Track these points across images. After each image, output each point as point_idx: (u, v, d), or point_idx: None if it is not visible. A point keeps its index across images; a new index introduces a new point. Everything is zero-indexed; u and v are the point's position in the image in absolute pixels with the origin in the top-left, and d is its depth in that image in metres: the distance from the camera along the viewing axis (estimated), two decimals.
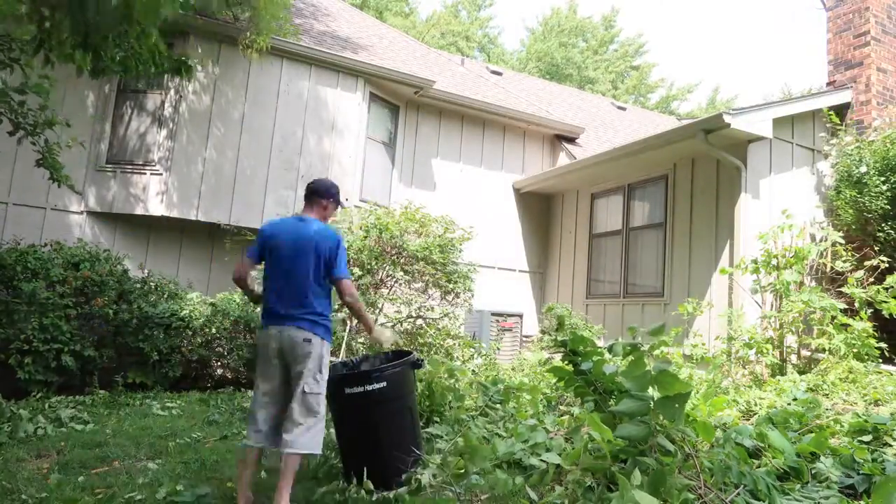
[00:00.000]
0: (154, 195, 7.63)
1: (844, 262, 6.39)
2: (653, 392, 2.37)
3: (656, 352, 3.00)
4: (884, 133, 7.41)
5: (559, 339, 3.15)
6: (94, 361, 5.99)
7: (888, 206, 6.93)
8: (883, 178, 7.03)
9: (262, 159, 8.18)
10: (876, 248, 6.60)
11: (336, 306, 3.68)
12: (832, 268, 6.64)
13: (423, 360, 3.71)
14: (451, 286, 7.85)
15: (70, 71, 5.19)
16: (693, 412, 3.07)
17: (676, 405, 2.27)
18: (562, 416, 4.64)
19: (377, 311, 7.44)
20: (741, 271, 6.49)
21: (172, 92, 7.80)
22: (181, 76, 4.42)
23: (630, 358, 2.64)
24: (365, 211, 8.19)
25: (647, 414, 2.30)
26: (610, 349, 2.96)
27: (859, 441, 3.35)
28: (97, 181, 7.62)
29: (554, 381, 5.94)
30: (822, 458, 2.66)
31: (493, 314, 8.81)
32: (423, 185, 9.74)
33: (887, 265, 6.17)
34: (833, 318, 5.89)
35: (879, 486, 2.20)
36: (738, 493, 2.27)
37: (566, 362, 3.13)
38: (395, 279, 7.59)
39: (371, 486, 3.21)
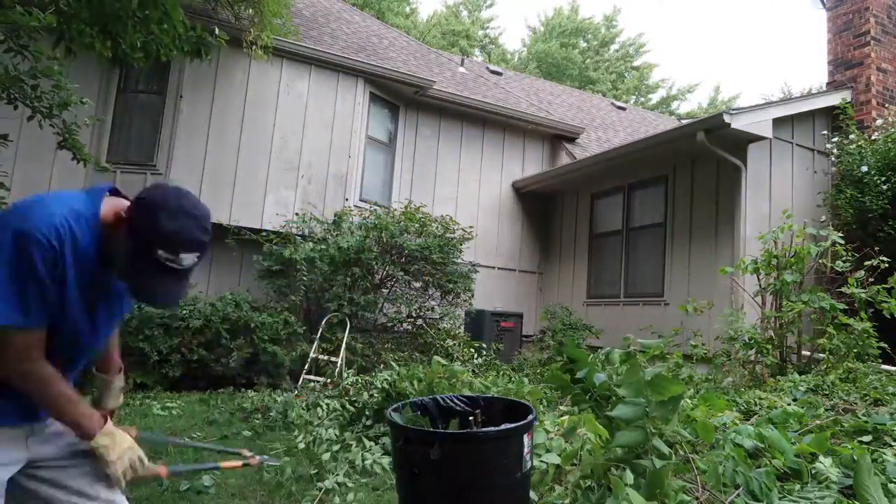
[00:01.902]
0: None
1: (844, 262, 6.38)
2: (649, 396, 2.37)
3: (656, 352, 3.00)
4: (885, 132, 7.40)
5: (554, 344, 3.14)
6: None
7: (889, 206, 6.93)
8: (884, 178, 7.02)
9: (262, 159, 8.18)
10: (876, 248, 6.59)
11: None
12: (832, 268, 6.64)
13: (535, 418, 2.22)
14: (451, 286, 7.86)
15: (70, 71, 5.20)
16: (693, 412, 3.06)
17: (670, 407, 2.28)
18: (562, 416, 4.63)
19: (377, 310, 7.45)
20: (741, 271, 6.49)
21: (173, 92, 7.80)
22: (201, 57, 4.42)
23: (626, 365, 2.65)
24: (365, 211, 8.20)
25: (643, 419, 2.30)
26: (607, 357, 2.95)
27: (859, 441, 3.35)
28: (97, 181, 7.61)
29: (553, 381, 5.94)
30: (820, 458, 2.66)
31: (493, 314, 8.80)
32: (423, 185, 9.74)
33: (887, 265, 6.16)
34: (833, 318, 5.88)
35: (856, 471, 2.27)
36: (738, 495, 2.27)
37: (563, 371, 3.13)
38: (395, 279, 7.60)
39: None
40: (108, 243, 1.43)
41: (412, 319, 7.76)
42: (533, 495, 3.12)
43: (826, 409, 4.20)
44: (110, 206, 1.46)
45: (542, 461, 3.44)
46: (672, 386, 2.32)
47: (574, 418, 2.84)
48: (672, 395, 2.30)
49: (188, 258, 1.38)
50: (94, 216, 1.42)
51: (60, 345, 1.44)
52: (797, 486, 2.37)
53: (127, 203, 1.46)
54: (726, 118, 6.74)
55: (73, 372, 1.57)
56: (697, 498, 2.24)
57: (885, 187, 6.97)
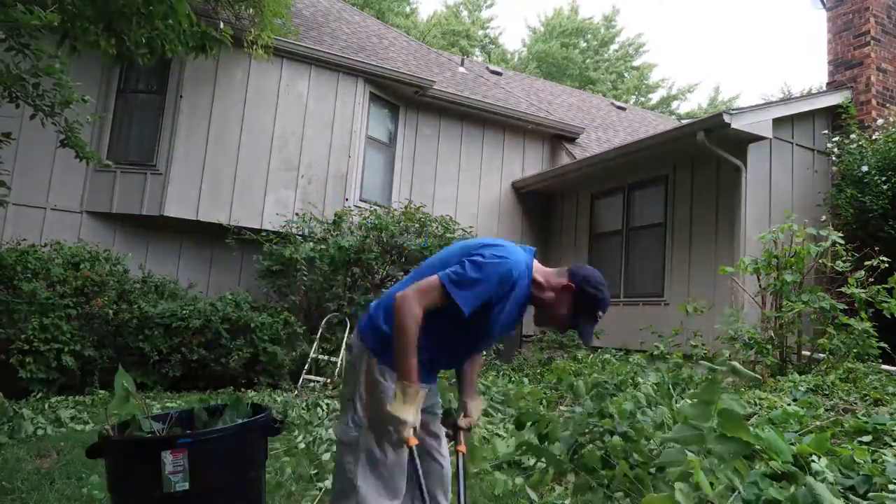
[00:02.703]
0: (154, 195, 7.63)
1: (844, 262, 6.37)
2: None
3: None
4: (886, 132, 7.40)
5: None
6: (95, 361, 5.99)
7: (889, 206, 6.92)
8: (884, 178, 7.02)
9: (262, 159, 8.18)
10: (876, 248, 6.58)
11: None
12: (832, 268, 6.64)
13: (280, 423, 2.41)
14: None
15: (70, 70, 5.21)
16: None
17: (733, 451, 2.24)
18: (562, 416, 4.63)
19: None
20: (741, 271, 6.49)
21: (173, 91, 7.80)
22: (206, 53, 4.41)
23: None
24: (365, 211, 8.20)
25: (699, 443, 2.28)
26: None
27: (859, 442, 3.34)
28: (97, 181, 7.63)
29: (554, 381, 5.94)
30: (816, 459, 2.65)
31: None
32: (423, 185, 9.74)
33: (887, 265, 6.15)
34: (833, 318, 5.88)
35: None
36: (733, 497, 2.28)
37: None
38: (395, 279, 7.59)
39: None
40: (535, 295, 2.10)
41: None
42: (533, 495, 3.13)
43: (826, 410, 4.20)
44: (539, 272, 2.12)
45: (542, 461, 3.45)
46: (743, 431, 2.27)
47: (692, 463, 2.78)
48: (738, 435, 2.26)
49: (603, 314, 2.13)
50: (531, 276, 2.08)
51: (468, 337, 2.10)
52: (791, 489, 2.37)
53: (545, 269, 2.15)
54: (726, 118, 6.74)
55: (459, 362, 2.25)
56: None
57: (885, 187, 6.96)
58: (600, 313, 2.11)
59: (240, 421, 2.24)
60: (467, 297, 1.89)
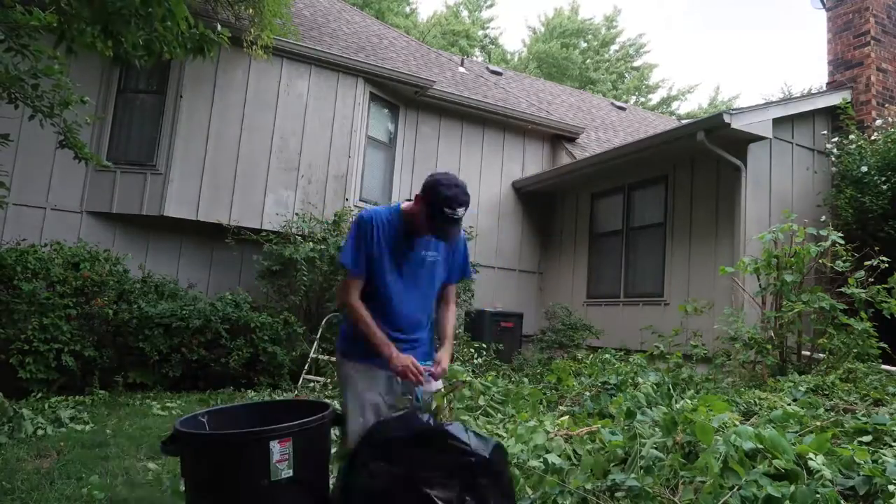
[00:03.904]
0: (154, 195, 7.63)
1: (844, 262, 6.37)
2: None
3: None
4: (885, 132, 7.40)
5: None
6: (95, 361, 6.00)
7: (889, 206, 6.92)
8: (884, 178, 7.01)
9: (262, 159, 8.18)
10: (876, 248, 6.58)
11: None
12: (832, 268, 6.63)
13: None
14: None
15: (70, 71, 5.21)
16: (692, 414, 3.06)
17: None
18: (561, 416, 4.63)
19: None
20: (741, 271, 6.49)
21: (173, 92, 7.80)
22: (204, 55, 4.41)
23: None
24: None
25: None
26: None
27: (859, 442, 3.34)
28: (97, 181, 7.63)
29: (554, 381, 5.94)
30: (814, 458, 2.65)
31: (493, 314, 8.80)
32: None
33: (887, 265, 6.14)
34: (833, 318, 5.88)
35: None
36: (731, 495, 2.28)
37: None
38: None
39: None
40: (408, 221, 2.39)
41: None
42: (534, 495, 3.12)
43: (826, 410, 4.19)
44: (406, 203, 2.40)
45: (541, 461, 3.45)
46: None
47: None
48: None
49: (461, 211, 2.36)
50: (397, 211, 2.41)
51: (378, 304, 2.37)
52: (791, 487, 2.37)
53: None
54: (726, 118, 6.74)
55: (406, 341, 2.42)
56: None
57: (884, 187, 6.96)
58: (448, 210, 2.32)
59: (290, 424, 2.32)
60: (346, 254, 2.33)
